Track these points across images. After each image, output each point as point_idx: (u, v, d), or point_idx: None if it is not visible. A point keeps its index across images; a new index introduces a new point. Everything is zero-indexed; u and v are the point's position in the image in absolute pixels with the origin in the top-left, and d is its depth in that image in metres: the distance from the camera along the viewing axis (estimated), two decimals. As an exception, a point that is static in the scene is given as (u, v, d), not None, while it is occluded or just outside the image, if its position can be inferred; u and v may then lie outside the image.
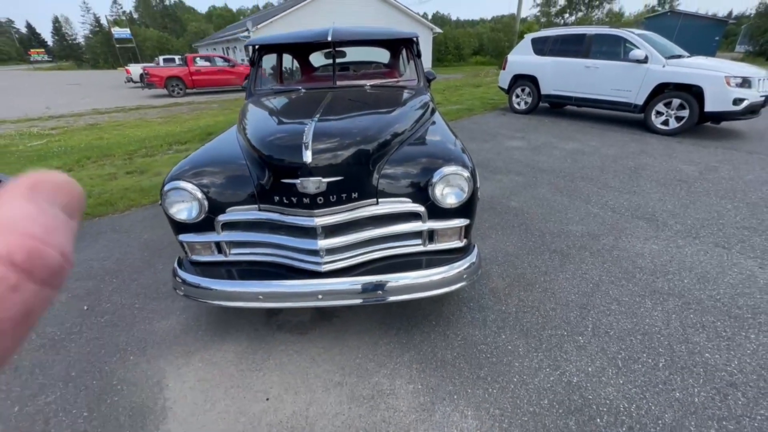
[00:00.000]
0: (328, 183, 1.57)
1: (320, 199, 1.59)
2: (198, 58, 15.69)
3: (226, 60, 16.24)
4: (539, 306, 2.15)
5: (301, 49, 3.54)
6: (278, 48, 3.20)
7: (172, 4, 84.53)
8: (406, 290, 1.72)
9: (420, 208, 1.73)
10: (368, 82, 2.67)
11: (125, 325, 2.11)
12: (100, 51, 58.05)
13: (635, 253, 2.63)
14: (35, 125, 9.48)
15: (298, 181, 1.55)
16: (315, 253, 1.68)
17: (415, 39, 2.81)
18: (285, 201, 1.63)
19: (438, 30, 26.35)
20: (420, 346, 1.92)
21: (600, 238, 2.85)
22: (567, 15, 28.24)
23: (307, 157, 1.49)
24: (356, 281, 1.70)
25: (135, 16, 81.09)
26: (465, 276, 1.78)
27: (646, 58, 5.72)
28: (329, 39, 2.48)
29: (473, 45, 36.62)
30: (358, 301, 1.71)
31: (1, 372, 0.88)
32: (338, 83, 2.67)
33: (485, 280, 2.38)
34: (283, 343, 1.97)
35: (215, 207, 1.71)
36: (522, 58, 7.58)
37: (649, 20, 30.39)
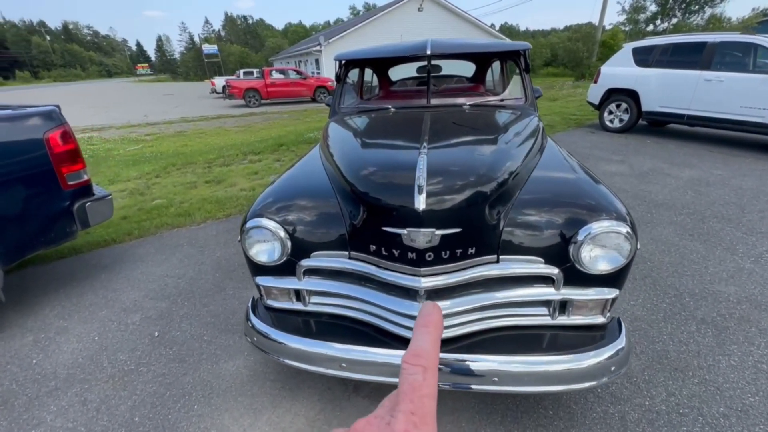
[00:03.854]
0: (443, 236, 1.22)
1: (429, 255, 1.25)
2: (274, 71, 16.63)
3: (298, 73, 17.03)
4: (701, 408, 1.58)
5: (390, 63, 3.28)
6: (367, 62, 2.97)
7: (253, 22, 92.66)
8: (522, 380, 1.30)
9: (553, 271, 1.31)
10: (466, 101, 2.31)
11: (193, 362, 1.94)
12: (192, 65, 65.19)
13: (832, 338, 1.91)
14: (134, 131, 10.58)
15: (404, 231, 1.22)
16: (414, 318, 1.33)
17: (526, 51, 2.40)
18: (384, 252, 1.31)
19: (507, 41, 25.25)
20: (536, 446, 1.47)
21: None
22: (659, 22, 25.45)
23: (420, 203, 1.16)
24: (460, 360, 1.31)
25: (222, 33, 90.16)
26: (612, 369, 1.31)
27: (796, 69, 4.64)
28: (428, 52, 2.17)
29: (544, 56, 34.63)
30: (448, 386, 1.32)
31: None
32: (432, 101, 2.34)
33: (612, 355, 1.85)
34: (360, 410, 1.65)
35: (299, 249, 1.44)
36: (619, 70, 6.70)
37: (764, 25, 26.28)
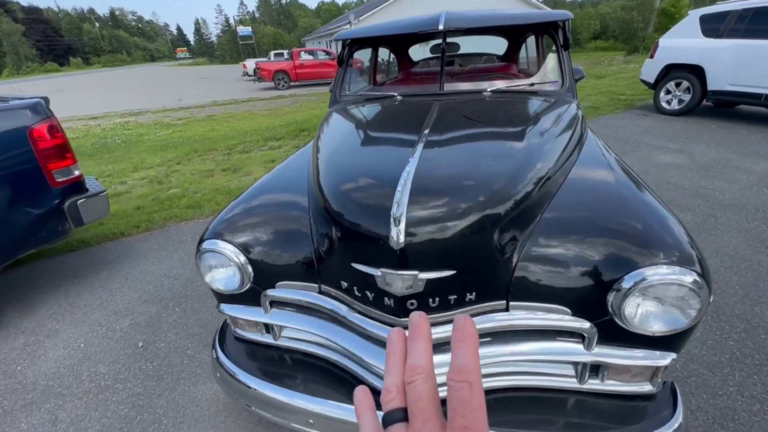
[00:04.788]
0: (429, 281, 0.91)
1: (412, 303, 0.95)
2: (303, 52, 16.37)
3: (327, 53, 16.65)
4: (782, 499, 1.19)
5: (402, 41, 2.89)
6: (374, 42, 2.61)
7: (287, 2, 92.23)
8: None
9: (584, 326, 0.96)
10: (487, 86, 1.91)
11: (170, 381, 1.78)
12: (228, 48, 66.32)
13: None
14: (168, 115, 10.82)
15: (377, 272, 0.92)
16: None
17: (565, 23, 1.94)
18: (357, 293, 1.03)
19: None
20: None
21: None
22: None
23: (398, 238, 0.85)
24: None
25: (256, 15, 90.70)
26: None
27: None
28: (440, 27, 1.79)
29: (593, 28, 31.69)
30: None
31: None
32: (445, 87, 1.97)
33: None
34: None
35: (263, 278, 1.19)
36: (682, 43, 5.77)
37: None
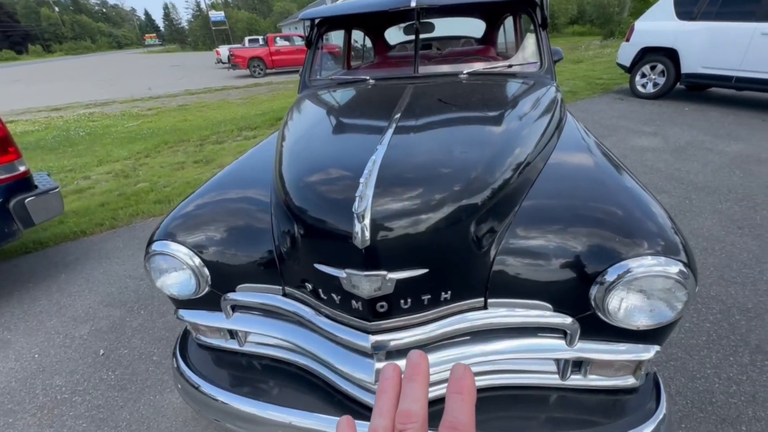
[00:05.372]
0: (399, 282, 0.82)
1: (382, 306, 0.86)
2: (278, 38, 15.82)
3: (304, 39, 16.14)
4: (759, 481, 1.20)
5: (374, 22, 2.75)
6: (345, 22, 2.46)
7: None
8: None
9: (565, 321, 0.91)
10: (464, 68, 1.82)
11: (134, 390, 1.66)
12: (200, 34, 63.54)
13: None
14: (136, 105, 10.27)
15: (342, 273, 0.83)
16: (366, 383, 0.96)
17: (543, 1, 1.85)
18: (322, 295, 0.94)
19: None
20: None
21: None
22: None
23: (362, 235, 0.76)
24: None
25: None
26: None
27: None
28: (413, 5, 1.67)
29: (570, 13, 31.81)
30: None
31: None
32: (420, 70, 1.86)
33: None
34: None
35: (221, 280, 1.09)
36: (656, 26, 5.80)
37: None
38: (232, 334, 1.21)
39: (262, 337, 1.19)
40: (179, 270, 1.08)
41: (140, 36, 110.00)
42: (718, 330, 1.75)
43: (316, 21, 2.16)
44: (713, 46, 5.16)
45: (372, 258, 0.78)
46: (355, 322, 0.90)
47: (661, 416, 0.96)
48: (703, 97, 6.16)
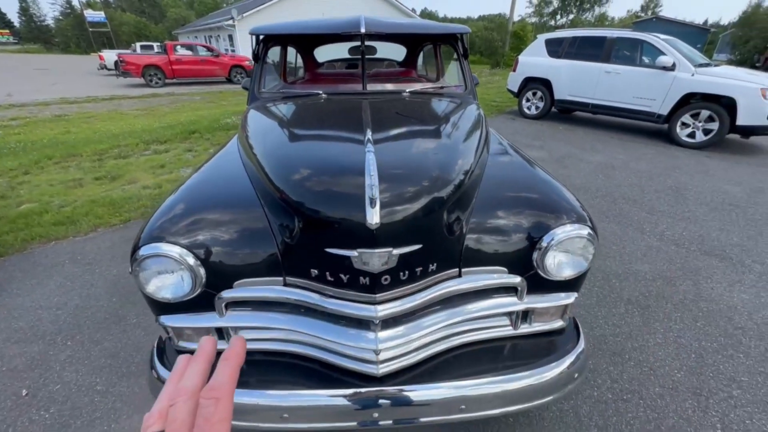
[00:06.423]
0: (401, 256, 1.01)
1: (386, 279, 1.04)
2: (179, 47, 14.66)
3: (209, 50, 15.25)
4: (640, 391, 1.66)
5: (313, 41, 2.91)
6: (290, 39, 2.58)
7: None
8: (495, 402, 1.19)
9: (516, 280, 1.20)
10: (406, 87, 2.11)
11: (81, 425, 1.49)
12: (72, 34, 54.73)
13: (726, 306, 2.18)
14: (-8, 115, 8.45)
15: (354, 253, 0.98)
16: (371, 352, 1.12)
17: (464, 36, 2.26)
18: (329, 278, 1.07)
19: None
20: (501, 461, 1.40)
21: (676, 283, 2.39)
22: (559, 16, 28.12)
23: (374, 218, 0.93)
24: (424, 391, 1.15)
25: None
26: (575, 377, 1.26)
27: (674, 65, 5.34)
28: (362, 30, 1.90)
29: (463, 43, 36.21)
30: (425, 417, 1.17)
31: None
32: (368, 87, 2.09)
33: (559, 347, 1.88)
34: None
35: (218, 278, 1.12)
36: (535, 60, 7.12)
37: (637, 25, 30.75)
38: (221, 334, 1.23)
39: (252, 332, 1.24)
40: (174, 271, 1.09)
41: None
42: (601, 292, 2.31)
43: (261, 37, 2.24)
44: (574, 80, 6.55)
45: (381, 237, 0.96)
46: (362, 297, 1.05)
47: (581, 348, 1.31)
48: (571, 119, 7.69)
